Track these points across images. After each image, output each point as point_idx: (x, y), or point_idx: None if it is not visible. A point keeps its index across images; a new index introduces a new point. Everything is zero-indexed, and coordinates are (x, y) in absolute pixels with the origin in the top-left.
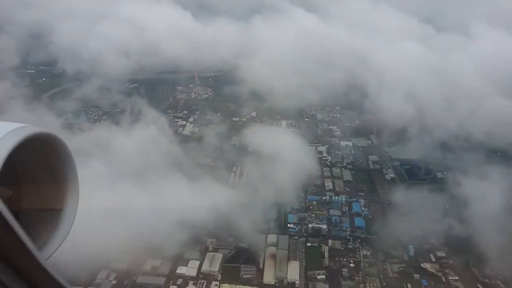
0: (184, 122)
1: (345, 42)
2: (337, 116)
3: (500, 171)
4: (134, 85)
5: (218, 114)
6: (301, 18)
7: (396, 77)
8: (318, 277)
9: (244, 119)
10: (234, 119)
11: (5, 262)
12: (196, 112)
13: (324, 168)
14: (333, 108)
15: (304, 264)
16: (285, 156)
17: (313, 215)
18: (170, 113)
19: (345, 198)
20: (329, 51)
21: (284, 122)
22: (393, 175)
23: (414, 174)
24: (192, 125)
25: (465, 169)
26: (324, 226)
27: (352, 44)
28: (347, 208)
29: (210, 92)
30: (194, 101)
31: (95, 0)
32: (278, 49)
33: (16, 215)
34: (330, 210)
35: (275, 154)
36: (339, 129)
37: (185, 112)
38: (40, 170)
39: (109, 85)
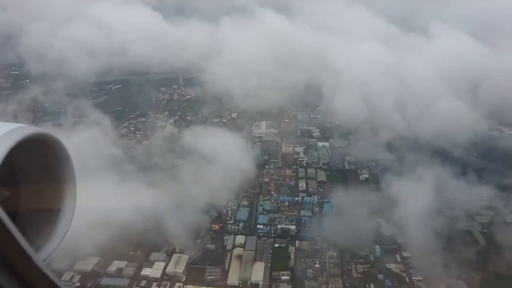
0: (164, 123)
1: (313, 44)
2: (317, 117)
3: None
4: (118, 86)
5: (199, 115)
6: (270, 20)
7: (356, 78)
8: (282, 277)
9: (225, 120)
10: (215, 120)
11: (1, 263)
12: (178, 113)
13: (299, 169)
14: (314, 109)
15: (269, 265)
16: (262, 158)
17: (284, 216)
18: (151, 114)
19: (317, 198)
20: (297, 53)
21: (263, 123)
22: (368, 176)
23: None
24: (172, 126)
25: (440, 169)
26: (293, 227)
27: (319, 46)
28: (318, 208)
29: (193, 93)
30: (176, 102)
31: (66, 1)
32: (248, 51)
33: (14, 216)
34: (301, 211)
35: (249, 156)
36: (318, 130)
37: (166, 113)
38: (37, 171)
39: (82, 86)
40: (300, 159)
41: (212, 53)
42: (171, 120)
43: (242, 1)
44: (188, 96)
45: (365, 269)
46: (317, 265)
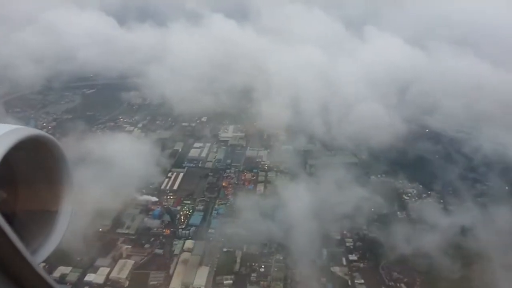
0: (132, 128)
1: (255, 48)
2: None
3: None
4: (92, 90)
5: (169, 119)
6: (219, 25)
7: (288, 82)
8: (225, 282)
9: (194, 124)
10: (184, 124)
11: None
12: (147, 118)
13: (260, 173)
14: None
15: (214, 269)
16: (225, 162)
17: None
18: (121, 118)
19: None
20: (237, 57)
21: (231, 127)
22: (325, 178)
23: (350, 176)
24: (139, 130)
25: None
26: (244, 231)
27: (260, 50)
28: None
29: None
30: (147, 106)
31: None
32: (192, 56)
33: (11, 218)
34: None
35: (212, 160)
36: (284, 133)
37: (136, 117)
38: (34, 172)
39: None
40: (262, 162)
41: (158, 58)
42: (140, 125)
43: (193, 6)
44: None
45: (309, 272)
46: (262, 269)
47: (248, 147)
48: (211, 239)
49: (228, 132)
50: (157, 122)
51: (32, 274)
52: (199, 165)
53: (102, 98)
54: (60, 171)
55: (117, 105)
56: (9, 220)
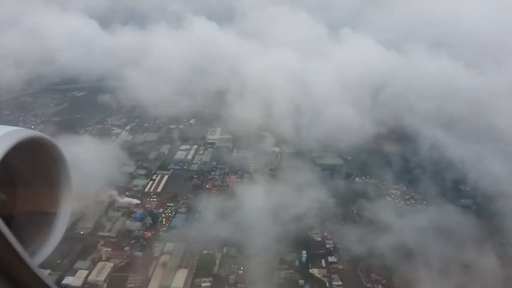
0: (120, 130)
1: (233, 50)
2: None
3: None
4: (82, 93)
5: (157, 121)
6: (199, 27)
7: (263, 84)
8: (203, 284)
9: (182, 126)
10: (172, 126)
11: None
12: (136, 120)
13: (245, 175)
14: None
15: (193, 272)
16: (209, 165)
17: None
18: (109, 121)
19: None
20: (215, 59)
21: (219, 130)
22: (308, 180)
23: (334, 178)
24: (127, 133)
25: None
26: (224, 233)
27: (238, 52)
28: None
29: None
30: (135, 108)
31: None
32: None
33: (10, 219)
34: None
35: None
36: (271, 135)
37: (124, 120)
38: (33, 174)
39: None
40: (248, 164)
41: (146, 60)
42: (128, 127)
43: (184, 9)
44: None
45: (287, 274)
46: (240, 271)
47: (235, 149)
48: (192, 241)
49: (216, 134)
50: (145, 124)
51: (31, 276)
52: (185, 167)
53: (90, 101)
54: (59, 173)
55: (105, 107)
56: (8, 222)
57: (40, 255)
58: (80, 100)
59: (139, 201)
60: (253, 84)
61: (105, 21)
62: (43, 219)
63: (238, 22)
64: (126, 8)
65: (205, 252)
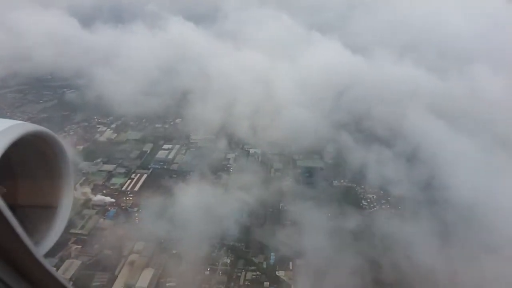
0: (105, 129)
1: (205, 51)
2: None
3: None
4: (72, 90)
5: (143, 120)
6: (175, 27)
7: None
8: (168, 284)
9: (167, 126)
10: (157, 125)
11: (3, 257)
12: (122, 118)
13: (223, 175)
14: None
15: (160, 271)
16: (189, 165)
17: None
18: (96, 119)
19: None
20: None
21: (203, 130)
22: (288, 182)
23: (312, 181)
24: (112, 131)
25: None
26: (196, 234)
27: (209, 53)
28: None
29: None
30: (123, 106)
31: None
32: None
33: (13, 211)
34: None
35: (177, 162)
36: (254, 136)
37: (110, 118)
38: (35, 167)
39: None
40: (228, 165)
41: (134, 59)
42: (114, 125)
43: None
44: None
45: (253, 276)
46: (207, 272)
47: (217, 150)
48: (162, 241)
49: (199, 134)
50: (131, 123)
51: (37, 266)
52: (165, 166)
53: (80, 99)
54: (60, 166)
55: (93, 105)
56: (11, 213)
57: (42, 247)
58: (70, 97)
59: (113, 200)
60: (222, 85)
61: (89, 20)
62: (45, 211)
63: (218, 22)
64: (112, 6)
65: (174, 252)
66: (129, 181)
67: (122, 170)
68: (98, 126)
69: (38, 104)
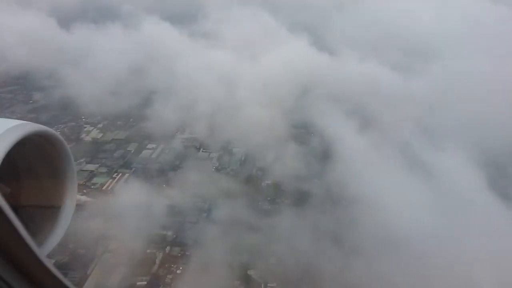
0: (91, 128)
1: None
2: None
3: None
4: (62, 90)
5: (131, 119)
6: (148, 26)
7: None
8: (138, 283)
9: (153, 125)
10: (143, 125)
11: (5, 257)
12: (109, 118)
13: (204, 174)
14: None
15: (132, 270)
16: (172, 164)
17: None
18: (83, 118)
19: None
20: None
21: (189, 129)
22: (270, 182)
23: None
24: (98, 131)
25: None
26: (170, 233)
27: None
28: (206, 214)
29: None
30: (111, 106)
31: None
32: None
33: (16, 211)
34: (187, 217)
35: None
36: (239, 135)
37: (98, 118)
38: (38, 167)
39: None
40: (211, 164)
41: (122, 59)
42: (100, 125)
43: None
44: None
45: (224, 275)
46: (179, 271)
47: (201, 149)
48: (136, 240)
49: (185, 134)
50: (118, 122)
51: (40, 266)
52: (147, 166)
53: (69, 99)
54: (64, 166)
55: (81, 104)
56: (14, 214)
57: (45, 247)
58: (60, 97)
59: (89, 199)
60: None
61: (71, 20)
62: (49, 211)
63: (195, 22)
64: (98, 6)
65: (148, 251)
66: (110, 180)
67: (105, 170)
68: (85, 126)
69: (28, 105)
